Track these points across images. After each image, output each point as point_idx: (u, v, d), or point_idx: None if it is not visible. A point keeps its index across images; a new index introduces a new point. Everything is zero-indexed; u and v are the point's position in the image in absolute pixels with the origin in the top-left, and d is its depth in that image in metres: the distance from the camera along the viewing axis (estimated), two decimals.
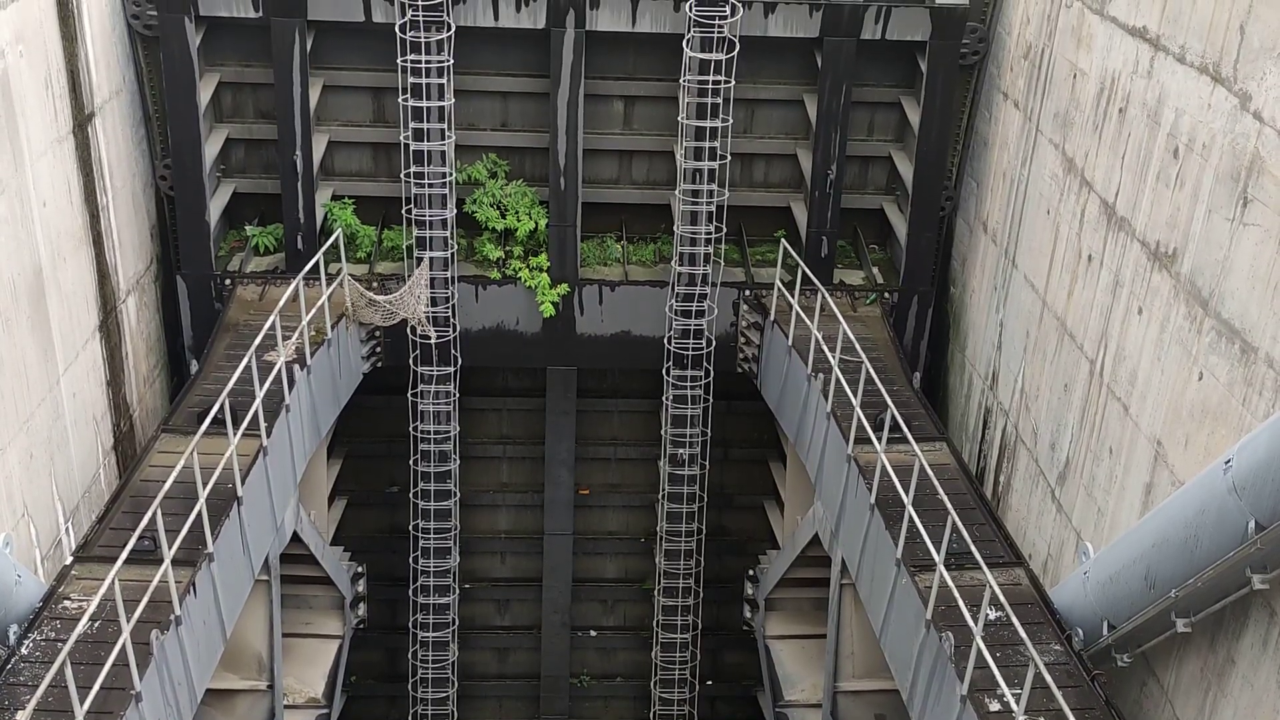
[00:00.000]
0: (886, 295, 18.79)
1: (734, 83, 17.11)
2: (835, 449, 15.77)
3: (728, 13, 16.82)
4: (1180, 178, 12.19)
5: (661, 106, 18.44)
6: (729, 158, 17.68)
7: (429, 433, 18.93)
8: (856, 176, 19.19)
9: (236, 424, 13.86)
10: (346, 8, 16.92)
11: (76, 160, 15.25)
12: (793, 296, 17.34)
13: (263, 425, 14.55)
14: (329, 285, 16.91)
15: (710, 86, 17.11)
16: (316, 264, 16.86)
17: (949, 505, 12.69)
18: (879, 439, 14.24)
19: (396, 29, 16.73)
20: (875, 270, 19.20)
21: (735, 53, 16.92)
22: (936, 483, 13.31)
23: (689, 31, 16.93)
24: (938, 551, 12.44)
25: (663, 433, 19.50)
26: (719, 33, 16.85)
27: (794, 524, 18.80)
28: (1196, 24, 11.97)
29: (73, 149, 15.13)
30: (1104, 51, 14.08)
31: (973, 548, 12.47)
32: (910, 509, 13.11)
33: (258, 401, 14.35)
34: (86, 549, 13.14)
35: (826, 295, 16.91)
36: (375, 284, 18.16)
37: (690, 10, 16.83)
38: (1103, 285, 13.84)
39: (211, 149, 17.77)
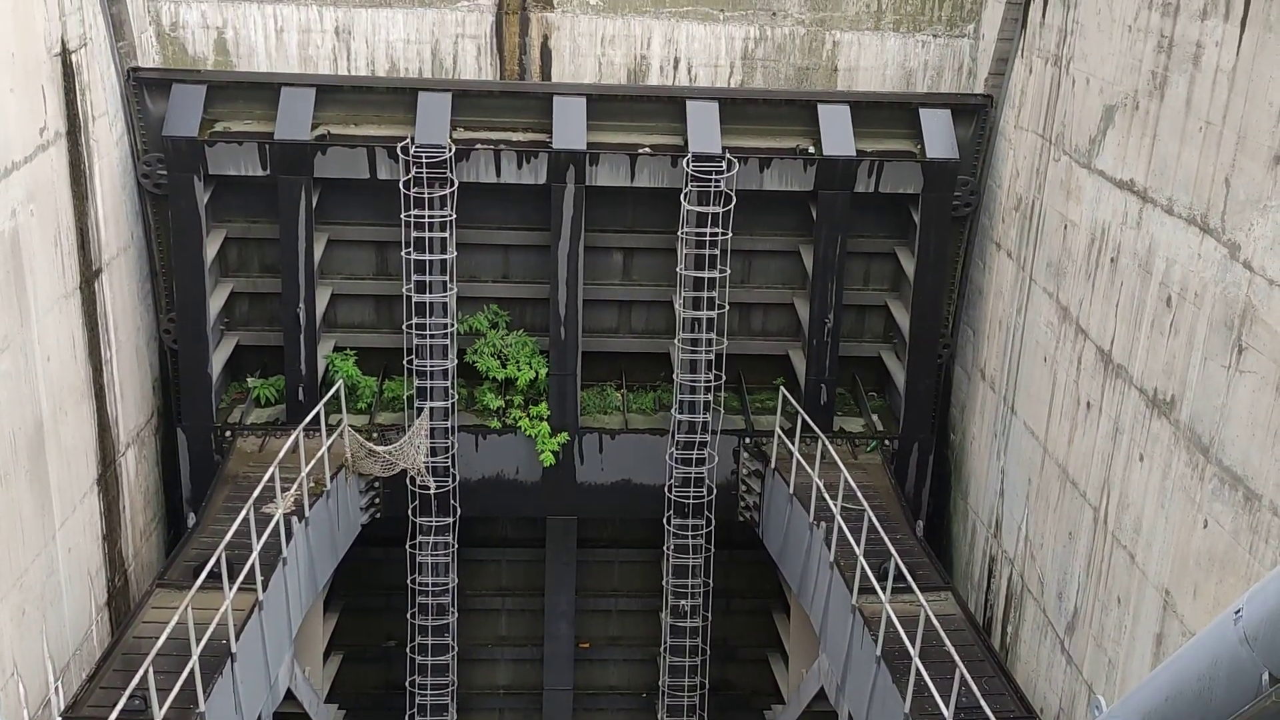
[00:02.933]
0: (887, 443, 18.79)
1: (731, 235, 17.44)
2: (839, 600, 15.54)
3: (724, 168, 17.24)
4: (1174, 326, 12.31)
5: (660, 258, 18.76)
6: (727, 307, 17.90)
7: (427, 585, 18.68)
8: (854, 325, 19.39)
9: (232, 578, 13.69)
10: (352, 165, 17.35)
11: (82, 315, 15.43)
12: (793, 444, 17.33)
13: (259, 579, 14.37)
14: (329, 436, 16.92)
15: (708, 238, 17.43)
16: (317, 415, 16.90)
17: (957, 658, 12.45)
18: (884, 589, 14.04)
19: (401, 185, 17.13)
20: (875, 418, 19.23)
21: (732, 206, 17.29)
22: (943, 634, 13.09)
23: (686, 186, 17.32)
24: (947, 706, 12.15)
25: (664, 583, 19.25)
26: (715, 187, 17.24)
27: (799, 677, 18.39)
28: (1182, 177, 12.26)
29: (79, 304, 15.32)
30: (1093, 203, 14.38)
31: (983, 702, 12.18)
32: (917, 661, 12.85)
33: (254, 555, 14.20)
34: (75, 709, 12.83)
35: (827, 443, 16.91)
36: (375, 434, 18.17)
37: (687, 166, 17.26)
38: (1103, 432, 13.85)
39: (216, 303, 18.00)
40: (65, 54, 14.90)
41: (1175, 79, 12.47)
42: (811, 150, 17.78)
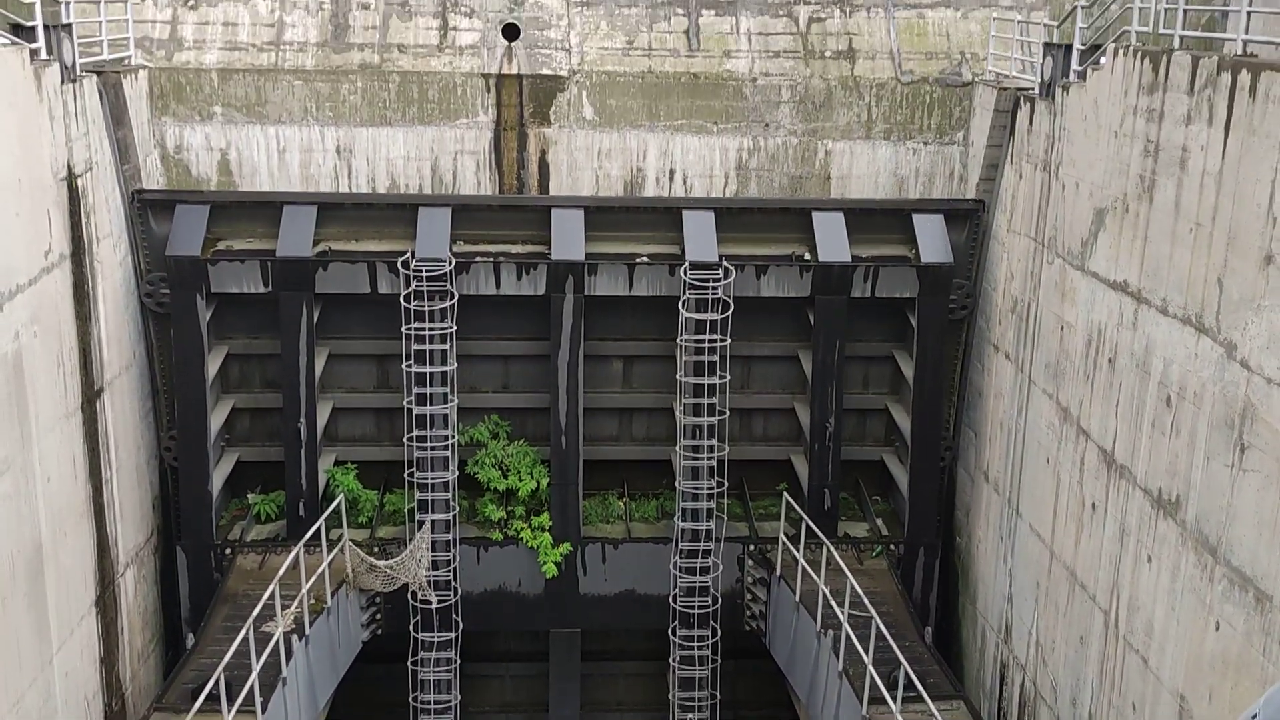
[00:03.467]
0: (892, 547, 18.63)
1: (730, 341, 17.53)
2: (849, 710, 15.25)
3: (721, 275, 17.41)
4: (1175, 425, 12.31)
5: (660, 365, 18.82)
6: (728, 413, 17.91)
7: (429, 702, 18.35)
8: (855, 429, 19.38)
9: (231, 700, 13.45)
10: (353, 280, 17.51)
11: (83, 435, 15.43)
12: (798, 551, 17.18)
13: (258, 700, 14.12)
14: (330, 552, 16.79)
15: (707, 345, 17.52)
16: (318, 531, 16.79)
17: None
18: (894, 698, 13.79)
19: (401, 299, 17.28)
20: (879, 522, 19.10)
21: (730, 313, 17.41)
22: None
23: (684, 294, 17.47)
24: None
25: (670, 696, 18.91)
26: (713, 294, 17.39)
27: None
28: (1175, 278, 12.37)
29: (80, 424, 15.33)
30: (1088, 305, 14.48)
31: None
32: None
33: (253, 676, 13.98)
34: None
35: (832, 549, 16.77)
36: (376, 549, 18.03)
37: (685, 274, 17.43)
38: (1109, 534, 13.75)
39: (217, 420, 18.01)
40: (71, 178, 15.16)
41: (1163, 182, 12.67)
42: (807, 257, 17.96)
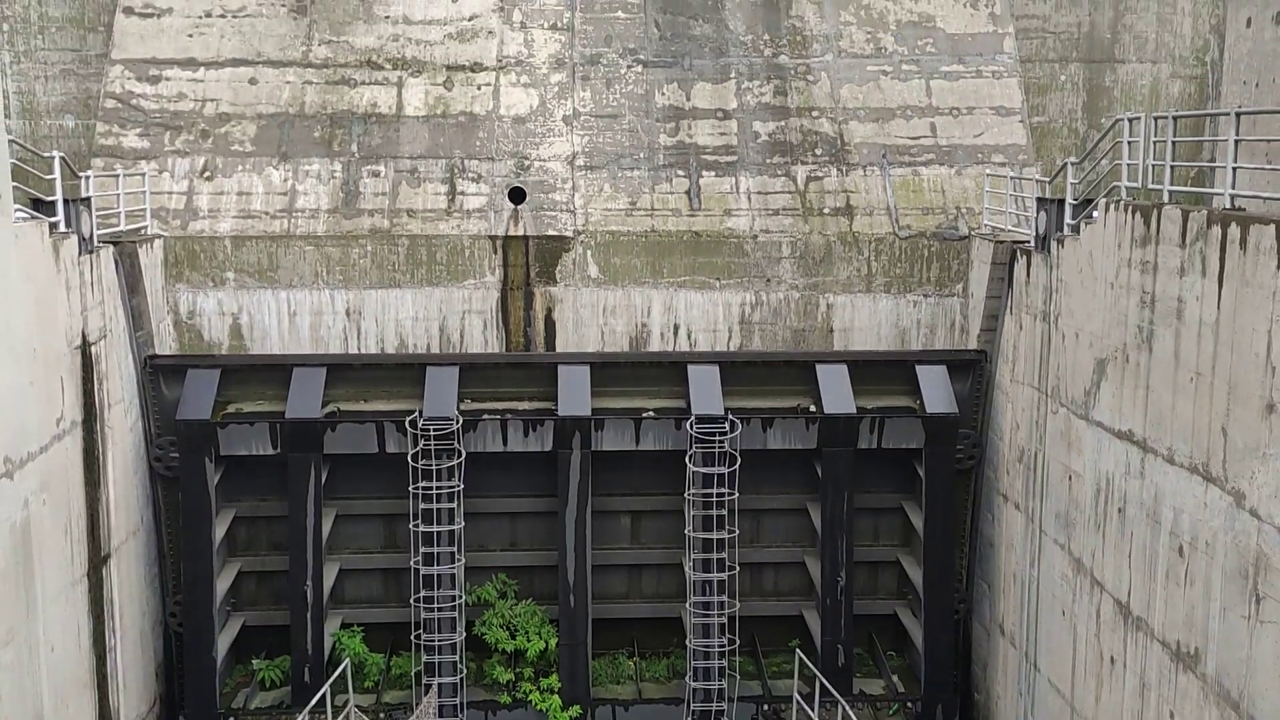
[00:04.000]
0: (909, 705, 18.21)
1: (738, 495, 17.49)
2: None
3: (727, 429, 17.47)
4: (1189, 576, 12.18)
5: (668, 520, 18.72)
6: (738, 568, 17.74)
7: None
8: (867, 582, 19.16)
9: None
10: (361, 441, 17.60)
11: (88, 602, 15.31)
12: (813, 711, 16.80)
13: None
14: (335, 718, 16.45)
15: (714, 499, 17.48)
16: (323, 698, 16.48)
17: None
18: None
19: (409, 458, 17.33)
20: (895, 678, 18.71)
21: (737, 466, 17.42)
22: None
23: (691, 448, 17.51)
24: None
25: None
26: (720, 448, 17.43)
27: None
28: (1179, 427, 12.41)
29: (85, 591, 15.23)
30: (1095, 454, 14.49)
31: None
32: None
33: None
34: None
35: (847, 708, 16.42)
36: (383, 714, 17.66)
37: (691, 428, 17.50)
38: (1129, 689, 13.46)
39: (223, 584, 17.87)
40: (85, 346, 15.41)
41: (1162, 333, 12.82)
42: (813, 409, 18.06)
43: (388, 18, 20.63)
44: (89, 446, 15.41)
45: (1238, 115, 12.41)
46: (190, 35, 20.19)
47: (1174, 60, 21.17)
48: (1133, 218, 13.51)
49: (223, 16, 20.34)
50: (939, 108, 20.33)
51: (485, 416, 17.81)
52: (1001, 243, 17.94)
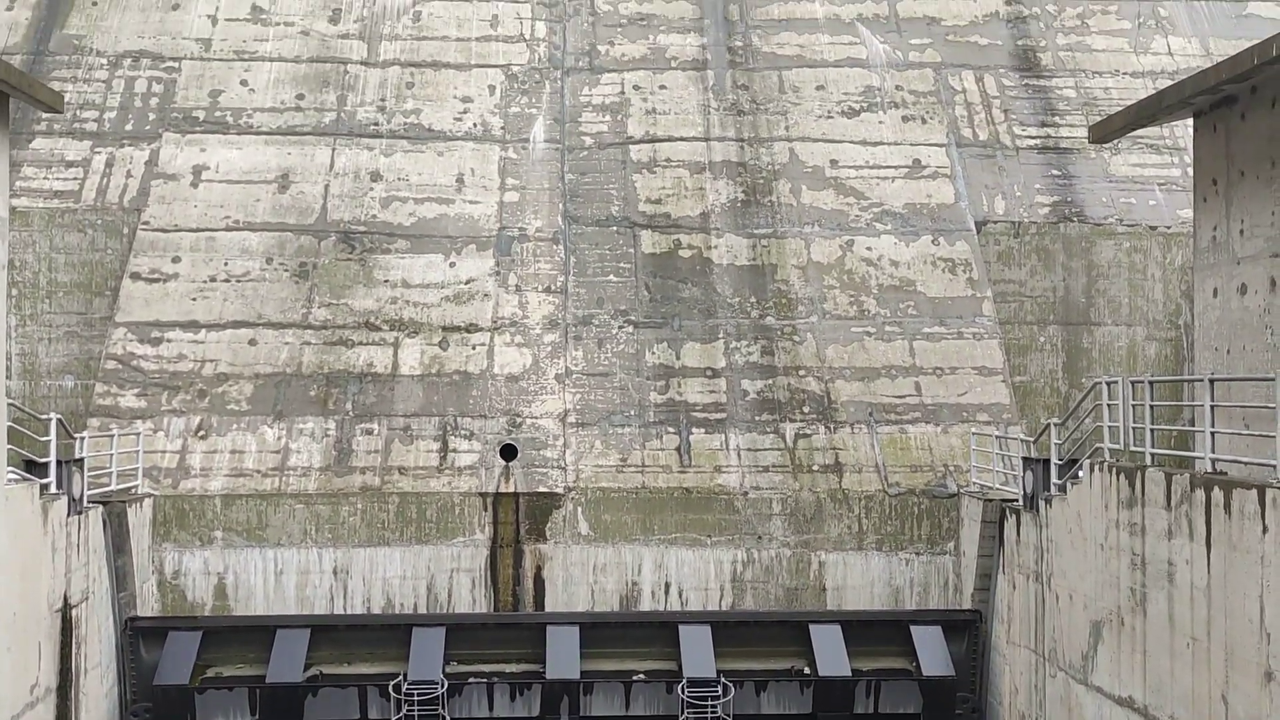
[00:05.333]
0: None
1: None
2: None
3: (719, 692, 17.02)
4: None
5: None
6: None
7: None
8: None
9: None
10: (342, 706, 17.07)
11: None
12: None
13: None
14: None
15: None
16: None
17: None
18: None
19: None
20: None
21: None
22: None
23: (682, 712, 17.01)
24: None
25: None
26: (712, 712, 16.93)
27: None
28: (1179, 694, 12.14)
29: None
30: None
31: None
32: None
33: None
34: None
35: None
36: None
37: (683, 692, 17.05)
38: None
39: None
40: (66, 609, 15.17)
41: (1154, 595, 12.72)
42: (807, 671, 17.65)
43: (387, 281, 21.35)
44: (61, 714, 14.94)
45: (1211, 382, 12.73)
46: (194, 299, 20.83)
47: (1149, 323, 21.83)
48: (1117, 480, 13.63)
49: (227, 281, 21.05)
50: (922, 367, 20.81)
51: (471, 680, 17.36)
52: (991, 501, 18.00)
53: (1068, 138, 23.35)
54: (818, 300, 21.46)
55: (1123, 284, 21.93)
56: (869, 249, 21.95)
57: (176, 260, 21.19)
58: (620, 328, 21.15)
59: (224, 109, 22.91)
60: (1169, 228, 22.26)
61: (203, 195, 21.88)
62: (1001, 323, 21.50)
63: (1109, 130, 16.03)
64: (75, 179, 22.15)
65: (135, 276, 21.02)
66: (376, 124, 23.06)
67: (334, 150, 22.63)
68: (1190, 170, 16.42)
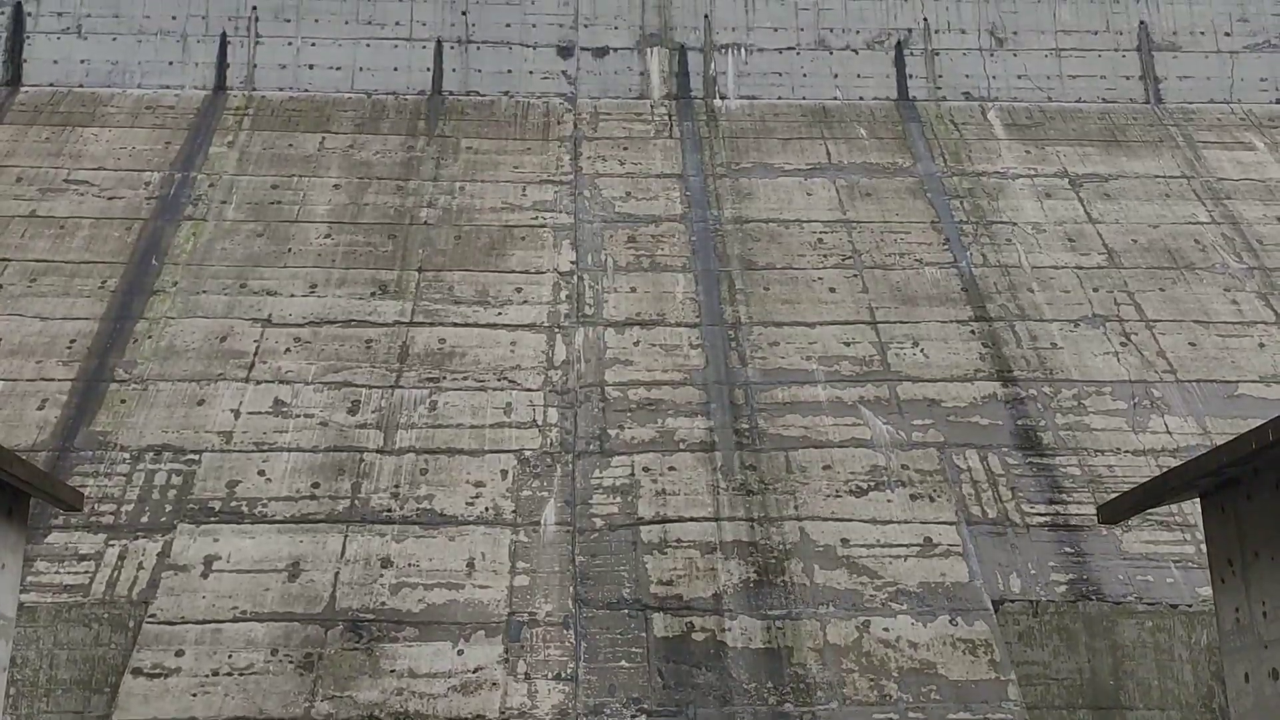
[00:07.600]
0: None
1: None
2: None
3: None
4: None
5: None
6: None
7: None
8: None
9: None
10: None
11: None
12: None
13: None
14: None
15: None
16: None
17: None
18: None
19: None
20: None
21: None
22: None
23: None
24: None
25: None
26: None
27: None
28: None
29: None
30: None
31: None
32: None
33: None
34: None
35: None
36: None
37: None
38: None
39: None
40: None
41: None
42: None
43: (393, 671, 20.80)
44: None
45: None
46: (194, 694, 20.21)
47: (1182, 706, 20.94)
48: None
49: (229, 675, 20.52)
50: None
51: None
52: None
53: (1076, 515, 23.44)
54: (836, 685, 20.75)
55: (1150, 665, 21.26)
56: (886, 629, 21.47)
57: (180, 654, 20.75)
58: (633, 717, 20.37)
59: (240, 499, 23.24)
60: (1190, 606, 21.86)
61: (212, 585, 21.77)
62: (1029, 707, 20.65)
63: (1117, 512, 16.03)
64: (86, 573, 22.09)
65: (136, 672, 20.51)
66: (389, 510, 23.29)
67: (346, 537, 22.74)
68: (1204, 547, 16.32)
